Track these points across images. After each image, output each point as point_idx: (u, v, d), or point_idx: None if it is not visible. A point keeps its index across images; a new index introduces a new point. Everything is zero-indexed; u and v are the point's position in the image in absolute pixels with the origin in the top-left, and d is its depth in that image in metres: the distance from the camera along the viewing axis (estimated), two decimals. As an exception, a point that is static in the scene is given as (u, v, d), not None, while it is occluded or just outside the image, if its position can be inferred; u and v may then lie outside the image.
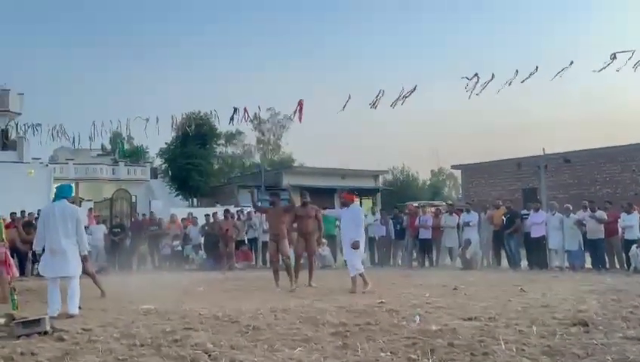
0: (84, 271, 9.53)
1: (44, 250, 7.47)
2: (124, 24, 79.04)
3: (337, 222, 16.99)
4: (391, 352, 4.76)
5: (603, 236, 13.54)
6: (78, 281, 7.62)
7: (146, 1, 79.49)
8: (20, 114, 32.75)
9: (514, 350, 4.76)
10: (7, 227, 11.89)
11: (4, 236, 7.63)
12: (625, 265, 13.32)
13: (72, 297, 7.38)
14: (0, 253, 7.56)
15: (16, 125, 20.54)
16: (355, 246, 9.80)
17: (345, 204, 10.66)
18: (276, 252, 10.67)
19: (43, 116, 68.18)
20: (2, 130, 30.82)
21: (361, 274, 9.85)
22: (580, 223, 13.80)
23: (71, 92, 71.39)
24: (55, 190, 7.85)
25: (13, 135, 30.47)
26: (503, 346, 4.87)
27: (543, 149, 20.60)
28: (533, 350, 4.78)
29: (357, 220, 10.16)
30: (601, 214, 13.63)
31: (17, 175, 23.68)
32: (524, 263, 14.58)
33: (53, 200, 7.70)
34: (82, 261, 8.35)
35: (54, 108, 62.76)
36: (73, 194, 7.99)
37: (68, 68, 73.63)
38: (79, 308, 7.88)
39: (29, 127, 16.07)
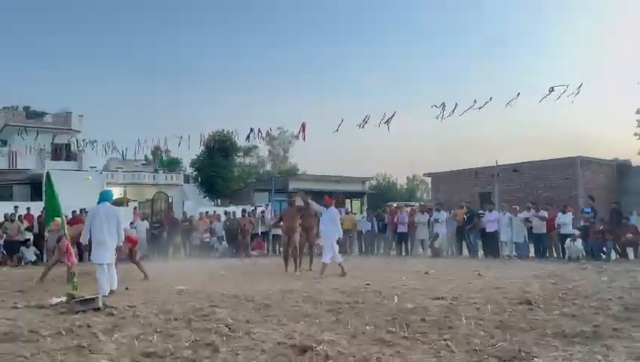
0: (131, 259, 9.54)
1: (90, 241, 7.48)
2: (163, 57, 78.98)
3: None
4: (375, 326, 4.75)
5: (545, 231, 13.53)
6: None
7: (181, 35, 79.39)
8: (79, 131, 32.78)
9: (473, 324, 4.75)
10: (74, 222, 11.87)
11: (67, 231, 7.59)
12: (561, 254, 13.31)
13: (113, 278, 7.47)
14: (63, 244, 7.52)
15: (77, 141, 20.56)
16: (331, 241, 9.86)
17: (325, 206, 10.57)
18: (288, 243, 10.53)
19: (98, 133, 68.16)
20: (66, 145, 30.79)
21: (325, 264, 9.68)
22: (526, 220, 13.78)
23: (121, 113, 71.20)
24: (99, 194, 7.81)
25: (74, 148, 30.47)
26: (464, 321, 4.86)
27: (496, 161, 20.61)
28: (488, 324, 4.76)
29: (334, 220, 10.20)
30: (544, 213, 13.64)
31: (77, 181, 23.57)
32: (480, 253, 14.55)
33: (98, 203, 7.70)
34: (129, 251, 8.45)
35: (107, 126, 62.53)
36: (114, 197, 7.90)
37: (118, 93, 73.55)
38: (126, 288, 7.89)
39: (87, 143, 16.11)
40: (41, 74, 65.31)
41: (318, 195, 27.81)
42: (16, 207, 16.55)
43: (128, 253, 9.56)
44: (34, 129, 28.71)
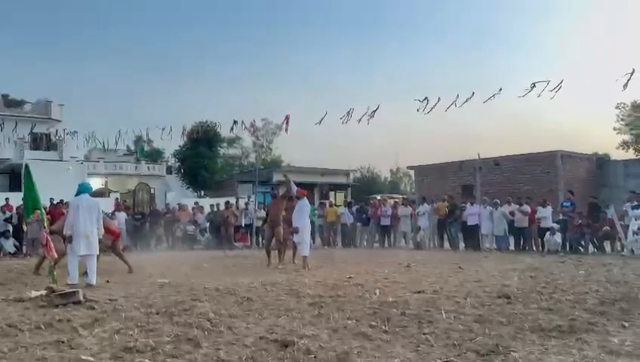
0: (114, 251, 9.45)
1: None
2: (147, 44, 77.86)
3: (315, 211, 17.08)
4: (356, 320, 4.79)
5: (527, 225, 13.73)
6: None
7: (164, 24, 78.28)
8: (60, 121, 32.20)
9: (452, 318, 4.82)
10: (57, 214, 11.71)
11: (46, 224, 7.49)
12: (540, 247, 13.53)
13: (92, 270, 7.49)
14: (42, 237, 7.43)
15: (57, 131, 20.26)
16: (295, 231, 9.97)
17: (298, 198, 10.44)
18: (271, 236, 10.37)
19: (79, 123, 67.13)
20: (45, 135, 30.27)
21: (305, 256, 9.79)
22: (510, 214, 13.96)
23: (102, 102, 70.09)
24: (78, 186, 7.86)
25: (54, 138, 30.00)
26: (444, 315, 4.93)
27: (479, 154, 20.61)
28: (468, 318, 4.84)
29: (305, 211, 10.25)
30: (527, 208, 13.84)
31: (58, 171, 23.24)
32: (462, 245, 14.74)
33: (76, 194, 7.74)
34: (112, 242, 8.48)
35: (89, 116, 61.56)
36: (93, 190, 7.88)
37: (98, 82, 72.35)
38: (107, 281, 7.84)
39: (67, 133, 15.90)
40: (19, 60, 63.89)
41: (303, 187, 27.87)
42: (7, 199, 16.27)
43: (110, 245, 9.47)
44: (12, 118, 28.18)
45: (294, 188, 10.40)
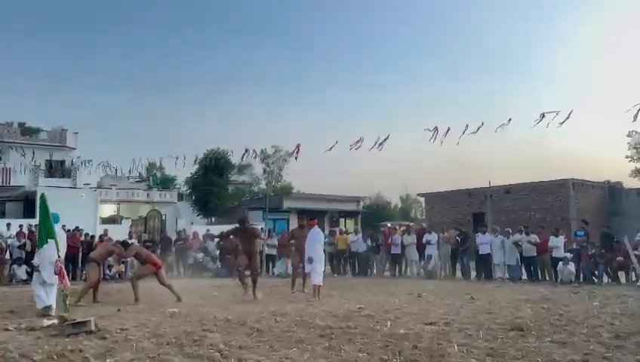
0: (160, 283, 9.56)
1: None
2: (159, 73, 79.39)
3: (326, 239, 17.03)
4: (367, 353, 4.73)
5: (535, 254, 13.59)
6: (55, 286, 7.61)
7: (178, 55, 79.88)
8: (74, 148, 32.78)
9: (464, 352, 4.75)
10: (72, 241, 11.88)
11: (60, 252, 7.57)
12: (553, 277, 13.35)
13: (50, 296, 7.46)
14: (55, 266, 7.49)
15: (72, 159, 20.62)
16: (309, 260, 9.88)
17: (309, 228, 10.52)
18: (247, 265, 9.79)
19: (93, 150, 68.13)
20: (60, 162, 30.77)
21: (317, 285, 9.68)
22: (517, 244, 13.87)
23: (116, 131, 71.23)
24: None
25: (68, 165, 30.48)
26: (456, 349, 4.86)
27: (489, 182, 20.70)
28: (480, 352, 4.77)
29: (315, 240, 10.13)
30: (533, 237, 13.72)
31: (71, 198, 23.48)
32: (473, 274, 14.58)
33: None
34: (155, 273, 9.70)
35: (102, 143, 62.55)
36: (59, 220, 8.08)
37: (112, 110, 73.68)
38: (118, 310, 7.85)
39: (82, 161, 16.20)
40: (35, 89, 65.46)
41: (313, 214, 27.92)
42: (8, 224, 16.50)
43: (155, 276, 9.75)
44: (30, 146, 28.79)
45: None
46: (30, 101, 63.38)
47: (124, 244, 10.50)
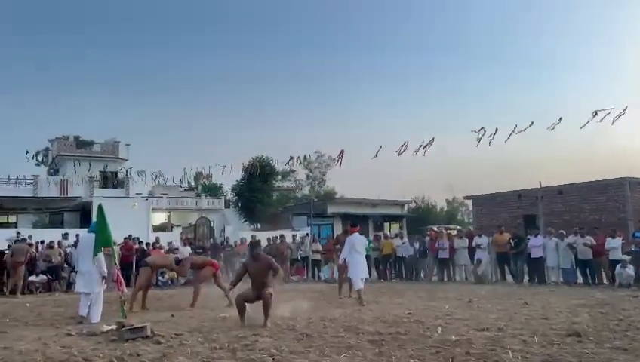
0: (217, 284, 9.81)
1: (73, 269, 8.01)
2: (207, 85, 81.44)
3: (371, 244, 16.98)
4: (418, 360, 4.68)
5: (591, 256, 13.04)
6: (101, 297, 7.86)
7: (227, 69, 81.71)
8: (126, 160, 34.09)
9: (519, 358, 4.64)
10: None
11: (117, 260, 7.90)
12: (611, 281, 12.77)
13: (92, 306, 7.67)
14: (113, 274, 7.81)
15: (126, 170, 21.47)
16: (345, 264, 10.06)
17: (349, 233, 10.65)
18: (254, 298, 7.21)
19: (143, 160, 70.46)
20: (114, 173, 32.08)
21: (360, 290, 9.70)
22: (571, 246, 13.35)
23: (166, 142, 73.41)
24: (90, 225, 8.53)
25: (121, 176, 31.73)
26: (511, 355, 4.74)
27: (540, 183, 19.97)
28: (536, 359, 4.64)
29: (351, 245, 10.20)
30: (589, 239, 13.17)
31: (124, 207, 24.42)
32: (526, 279, 14.14)
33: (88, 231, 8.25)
34: (212, 275, 9.66)
35: (152, 153, 64.70)
36: (95, 228, 8.10)
37: (163, 123, 76.08)
38: (172, 315, 8.08)
39: (135, 172, 16.84)
40: (89, 102, 68.42)
41: (357, 219, 27.85)
42: (66, 234, 17.30)
43: (212, 277, 9.96)
44: (86, 159, 30.15)
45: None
46: (84, 114, 66.30)
47: (177, 261, 10.72)
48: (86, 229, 17.58)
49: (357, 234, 10.53)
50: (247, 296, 7.13)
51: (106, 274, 7.84)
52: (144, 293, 9.62)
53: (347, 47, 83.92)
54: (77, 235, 16.68)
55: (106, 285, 7.97)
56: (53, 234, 17.06)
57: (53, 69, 71.37)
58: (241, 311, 7.06)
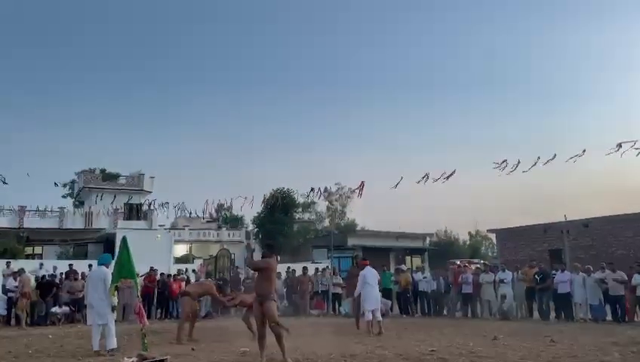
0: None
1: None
2: (228, 120, 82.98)
3: (392, 278, 16.77)
4: (442, 399, 4.58)
5: (623, 293, 12.63)
6: (113, 324, 7.88)
7: (247, 102, 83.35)
8: (150, 192, 34.68)
9: (547, 400, 4.48)
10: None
11: (139, 293, 7.96)
12: (640, 318, 12.32)
13: (107, 337, 7.72)
14: (135, 305, 7.87)
15: (150, 202, 21.82)
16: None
17: (361, 267, 11.04)
18: (262, 314, 6.67)
19: (165, 193, 71.46)
20: (137, 205, 32.62)
21: (380, 321, 10.12)
22: (601, 281, 12.96)
23: (189, 174, 74.54)
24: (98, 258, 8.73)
25: (145, 208, 32.23)
26: (538, 396, 4.59)
27: (565, 216, 19.57)
28: (565, 400, 4.48)
29: (363, 279, 10.54)
30: (620, 274, 12.79)
31: (147, 239, 24.67)
32: (552, 315, 13.73)
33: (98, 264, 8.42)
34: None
35: (174, 185, 65.70)
36: (110, 261, 8.29)
37: (187, 155, 77.43)
38: (192, 349, 8.05)
39: (159, 204, 17.13)
40: (114, 137, 70.31)
41: (378, 252, 27.56)
42: (90, 265, 17.51)
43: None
44: (111, 191, 30.79)
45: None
46: (110, 147, 68.02)
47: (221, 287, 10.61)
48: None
49: (368, 267, 10.84)
50: (257, 315, 6.68)
51: (115, 305, 7.97)
52: (191, 324, 9.54)
53: (370, 81, 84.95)
54: (89, 265, 16.89)
55: (115, 314, 8.08)
56: (78, 266, 17.30)
57: (82, 105, 73.76)
58: (261, 343, 6.69)
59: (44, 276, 15.29)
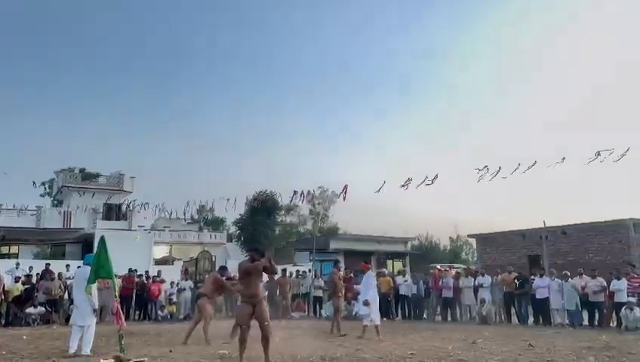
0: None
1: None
2: (211, 123, 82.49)
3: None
4: (420, 401, 4.59)
5: (603, 299, 12.84)
6: (93, 328, 7.73)
7: (229, 103, 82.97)
8: (131, 192, 34.18)
9: (524, 403, 4.52)
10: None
11: (117, 293, 7.83)
12: (616, 323, 12.52)
13: (85, 340, 7.56)
14: (113, 306, 7.75)
15: (130, 202, 21.56)
16: (365, 303, 10.25)
17: (362, 272, 11.04)
18: (249, 317, 6.65)
19: (147, 193, 70.69)
20: (117, 205, 32.12)
21: (376, 326, 10.10)
22: (582, 288, 13.17)
23: (169, 175, 73.82)
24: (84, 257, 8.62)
25: (125, 209, 31.77)
26: (515, 399, 4.63)
27: (544, 222, 19.88)
28: (541, 403, 4.52)
29: (369, 284, 10.52)
30: (600, 281, 13.03)
31: (126, 240, 24.35)
32: (530, 320, 13.90)
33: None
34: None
35: (155, 186, 64.99)
36: (91, 261, 8.06)
37: (168, 156, 76.70)
38: (170, 351, 7.94)
39: (138, 204, 16.92)
40: (95, 136, 69.37)
41: (360, 255, 27.63)
42: (67, 265, 17.22)
43: None
44: (90, 191, 30.29)
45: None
46: (91, 148, 67.06)
47: (225, 272, 10.31)
48: (87, 261, 17.65)
49: (369, 272, 10.90)
50: (244, 317, 6.59)
51: (96, 307, 7.81)
52: (197, 325, 9.41)
53: (354, 86, 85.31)
54: (78, 267, 16.63)
55: (96, 317, 7.89)
56: (55, 266, 16.99)
57: (61, 101, 72.65)
58: (242, 346, 6.55)
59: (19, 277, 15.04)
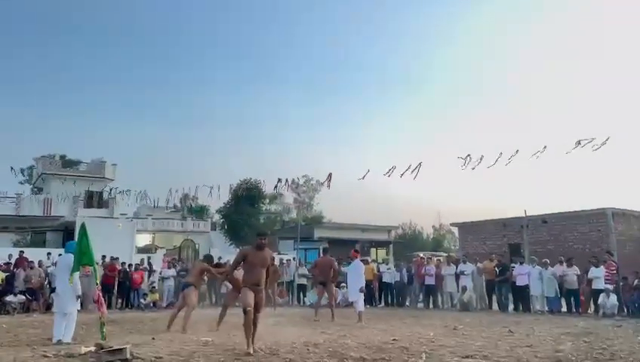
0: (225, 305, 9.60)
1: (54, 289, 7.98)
2: (195, 108, 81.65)
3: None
4: (402, 386, 4.65)
5: (577, 286, 13.13)
6: (75, 316, 7.67)
7: (214, 89, 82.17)
8: (112, 180, 33.79)
9: (503, 386, 4.61)
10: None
11: (98, 281, 7.75)
12: (594, 310, 12.83)
13: (67, 328, 7.51)
14: (94, 294, 7.67)
15: (110, 189, 21.28)
16: (360, 290, 10.58)
17: (351, 259, 11.38)
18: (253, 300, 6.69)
19: (130, 181, 69.92)
20: (99, 193, 31.74)
21: (359, 313, 10.40)
22: (561, 277, 13.44)
23: (152, 162, 73.04)
24: (65, 245, 8.40)
25: (106, 196, 31.40)
26: (494, 383, 4.72)
27: (525, 211, 20.12)
28: (520, 387, 4.61)
29: (359, 271, 10.82)
30: (575, 269, 13.31)
31: (108, 228, 24.05)
32: (511, 307, 14.14)
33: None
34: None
35: (138, 174, 64.25)
36: (72, 248, 7.93)
37: (150, 144, 75.77)
38: (153, 338, 7.91)
39: (120, 192, 16.70)
40: (76, 122, 68.27)
41: (344, 244, 27.75)
42: (48, 254, 17.01)
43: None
44: (71, 178, 29.82)
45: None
46: (71, 134, 65.96)
47: (211, 261, 10.28)
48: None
49: (358, 259, 11.07)
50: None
51: (80, 294, 7.71)
52: (175, 314, 9.40)
53: (340, 77, 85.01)
54: (59, 255, 16.42)
55: (79, 305, 7.81)
56: (36, 254, 16.75)
57: (44, 86, 71.20)
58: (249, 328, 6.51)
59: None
